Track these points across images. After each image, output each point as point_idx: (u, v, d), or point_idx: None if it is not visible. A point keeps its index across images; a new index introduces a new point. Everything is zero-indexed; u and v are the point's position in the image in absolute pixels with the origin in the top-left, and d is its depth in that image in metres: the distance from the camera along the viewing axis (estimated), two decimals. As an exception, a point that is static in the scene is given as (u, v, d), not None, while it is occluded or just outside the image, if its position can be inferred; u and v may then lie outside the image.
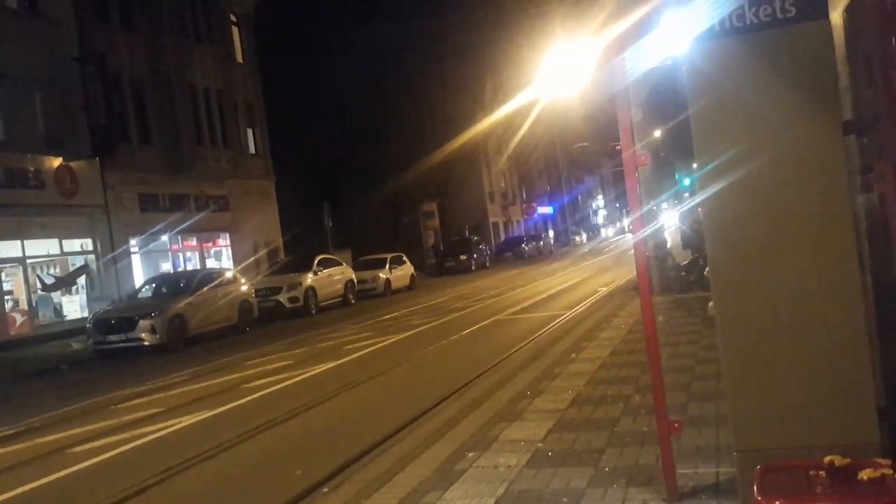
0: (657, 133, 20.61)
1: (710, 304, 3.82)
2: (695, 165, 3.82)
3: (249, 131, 34.87)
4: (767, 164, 3.59)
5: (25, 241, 23.15)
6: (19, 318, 23.06)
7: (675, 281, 15.90)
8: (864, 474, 2.93)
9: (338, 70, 45.67)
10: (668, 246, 17.89)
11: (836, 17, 3.58)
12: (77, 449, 8.51)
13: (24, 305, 23.31)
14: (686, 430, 5.24)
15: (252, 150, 35.07)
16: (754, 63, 3.63)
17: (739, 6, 3.61)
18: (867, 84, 3.56)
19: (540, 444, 6.03)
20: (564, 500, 4.76)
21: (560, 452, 5.77)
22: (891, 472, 2.93)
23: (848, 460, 3.05)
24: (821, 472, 3.04)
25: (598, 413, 6.82)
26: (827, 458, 3.08)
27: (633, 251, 4.86)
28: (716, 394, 6.30)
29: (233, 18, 34.12)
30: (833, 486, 2.95)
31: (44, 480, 7.36)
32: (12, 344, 21.21)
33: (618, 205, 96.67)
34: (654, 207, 18.92)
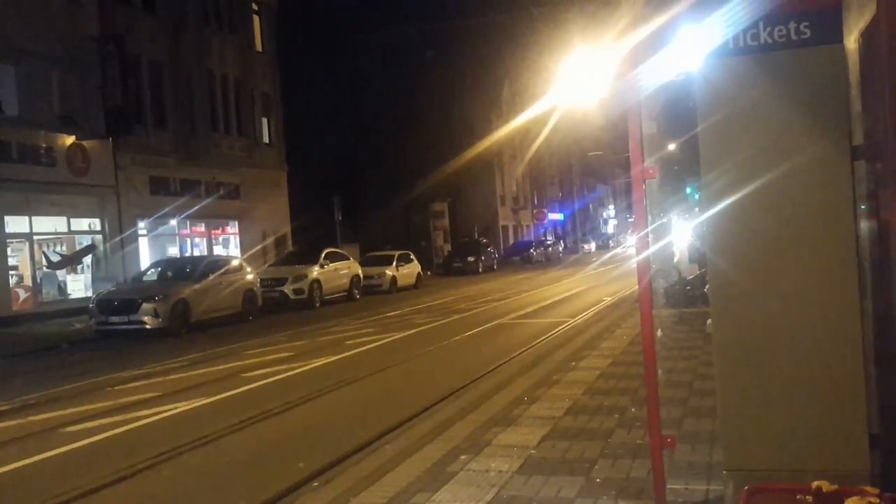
0: (671, 146, 20.52)
1: (709, 321, 3.80)
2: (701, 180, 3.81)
3: (265, 121, 34.92)
4: (773, 184, 3.57)
5: (33, 218, 23.23)
6: (23, 294, 23.15)
7: (680, 295, 15.84)
8: (851, 502, 2.90)
9: (357, 66, 45.76)
10: (676, 259, 17.81)
11: (851, 42, 3.56)
12: (71, 429, 8.54)
13: (28, 282, 23.39)
14: (680, 446, 5.23)
15: (266, 139, 35.11)
16: (766, 83, 3.61)
17: (754, 25, 3.60)
18: (880, 110, 3.53)
19: (533, 451, 6.02)
20: (552, 508, 4.75)
21: (552, 460, 5.75)
22: (878, 500, 2.91)
23: (836, 487, 3.02)
24: (807, 497, 3.01)
25: (594, 423, 6.81)
26: (815, 484, 3.05)
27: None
28: (712, 410, 6.26)
29: (255, 7, 34.20)
30: (819, 512, 2.92)
31: (34, 458, 7.39)
32: (14, 320, 21.30)
33: (628, 215, 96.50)
34: (665, 220, 18.81)
